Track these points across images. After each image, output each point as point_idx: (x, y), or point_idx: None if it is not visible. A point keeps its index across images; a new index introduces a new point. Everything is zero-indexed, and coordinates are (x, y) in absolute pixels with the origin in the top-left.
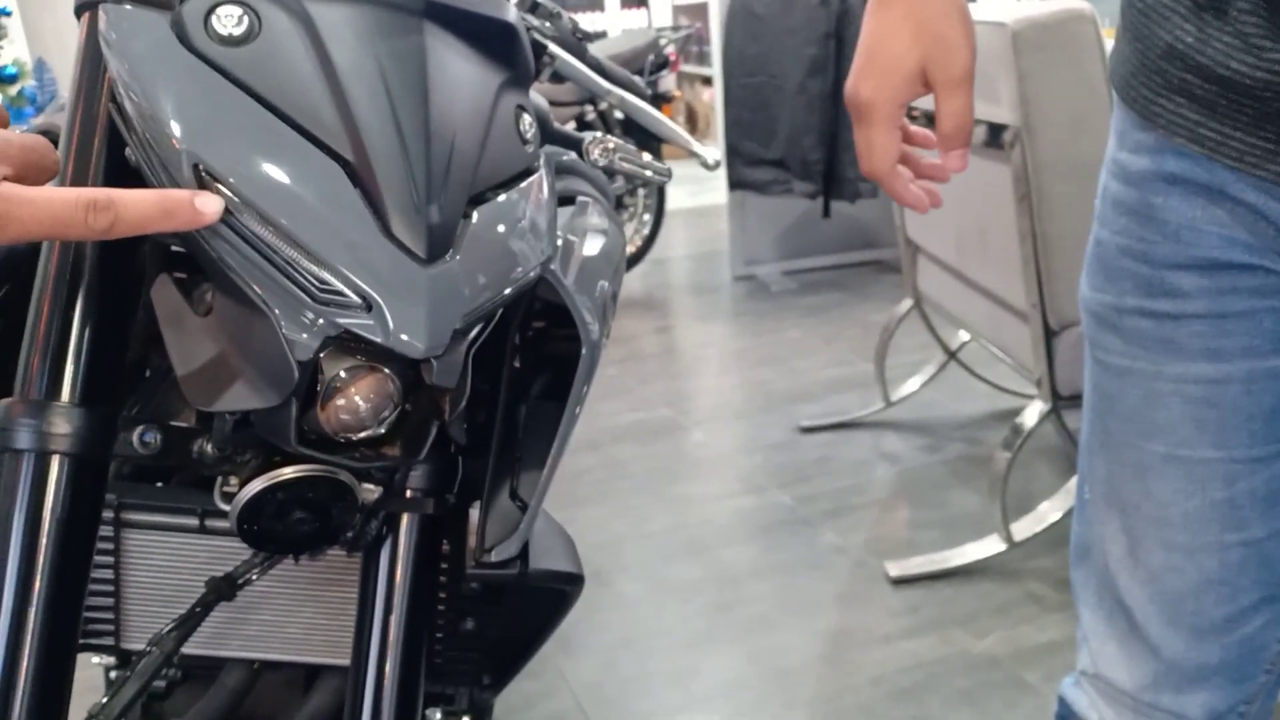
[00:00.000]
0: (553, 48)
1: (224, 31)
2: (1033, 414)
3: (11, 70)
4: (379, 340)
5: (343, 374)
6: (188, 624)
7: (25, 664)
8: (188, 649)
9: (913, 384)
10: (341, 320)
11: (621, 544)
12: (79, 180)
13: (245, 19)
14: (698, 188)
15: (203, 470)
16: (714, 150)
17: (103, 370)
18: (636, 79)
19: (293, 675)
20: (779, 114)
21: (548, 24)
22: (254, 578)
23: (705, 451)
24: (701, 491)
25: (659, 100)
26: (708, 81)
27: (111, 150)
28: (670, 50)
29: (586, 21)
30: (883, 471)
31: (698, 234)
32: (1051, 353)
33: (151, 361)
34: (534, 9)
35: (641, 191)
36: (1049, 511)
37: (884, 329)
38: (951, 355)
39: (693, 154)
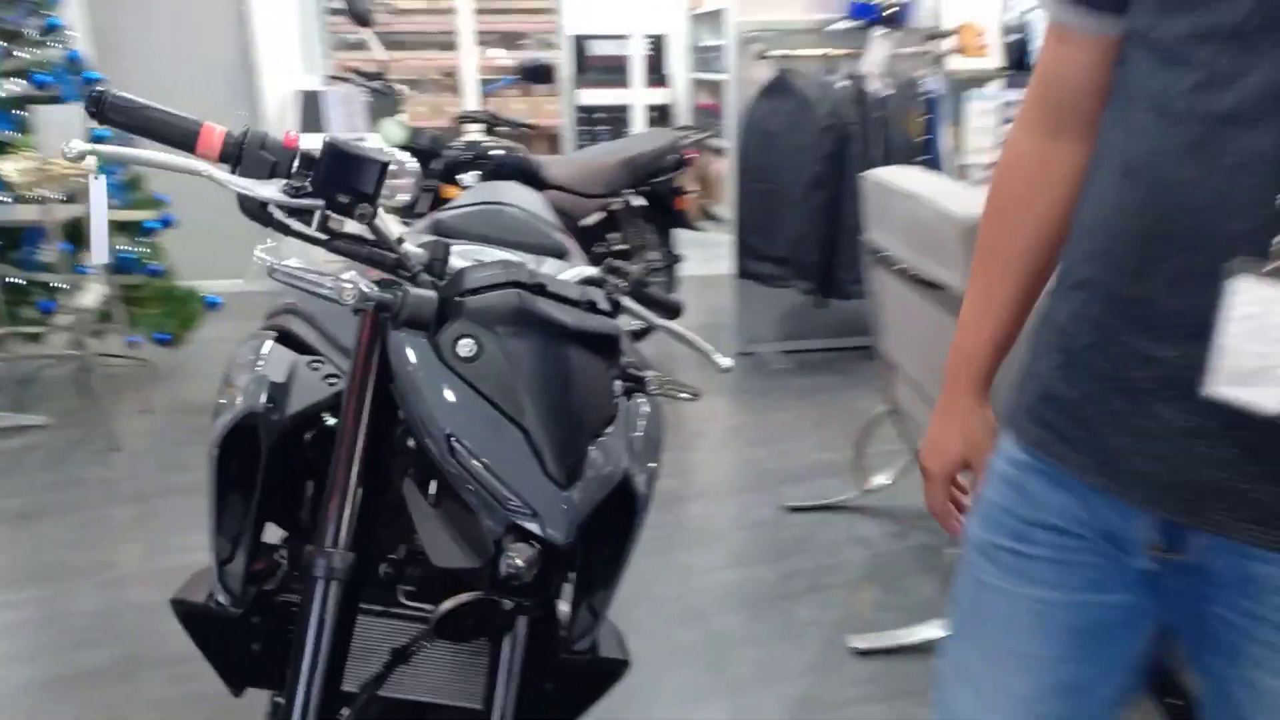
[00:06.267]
0: (625, 301)
1: (462, 353)
2: None
3: None
4: (538, 533)
5: (514, 547)
6: (381, 676)
7: (313, 698)
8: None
9: (887, 475)
10: (516, 519)
11: (629, 607)
12: (353, 426)
13: (475, 346)
14: (707, 252)
15: (399, 582)
16: (726, 359)
17: (364, 526)
18: (675, 299)
19: (431, 713)
20: (784, 218)
21: (623, 282)
22: (426, 647)
23: (702, 524)
24: (698, 562)
25: (677, 193)
26: (718, 152)
27: (379, 406)
28: (689, 151)
29: (613, 97)
30: (855, 554)
31: (705, 304)
32: None
33: (383, 516)
34: (614, 271)
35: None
36: None
37: (861, 429)
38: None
39: (709, 360)
